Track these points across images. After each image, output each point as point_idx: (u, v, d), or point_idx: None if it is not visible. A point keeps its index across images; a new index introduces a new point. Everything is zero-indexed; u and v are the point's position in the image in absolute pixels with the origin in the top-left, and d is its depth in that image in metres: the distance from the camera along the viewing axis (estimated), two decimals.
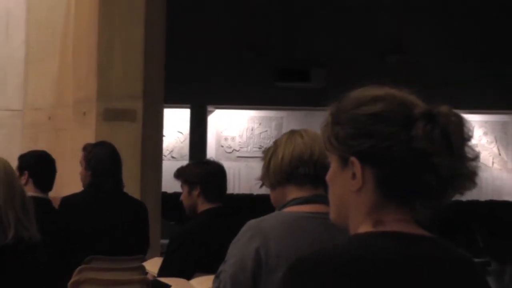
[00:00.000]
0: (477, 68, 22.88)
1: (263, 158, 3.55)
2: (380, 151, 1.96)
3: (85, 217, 6.16)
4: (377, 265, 1.90)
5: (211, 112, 24.13)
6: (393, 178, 1.96)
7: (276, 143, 3.53)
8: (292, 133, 3.55)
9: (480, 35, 22.85)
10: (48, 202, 6.22)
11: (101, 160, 6.28)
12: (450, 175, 1.95)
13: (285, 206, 3.45)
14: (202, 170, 5.31)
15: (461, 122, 1.98)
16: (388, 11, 22.29)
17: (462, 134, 1.97)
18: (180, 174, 5.38)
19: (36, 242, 3.66)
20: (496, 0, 22.55)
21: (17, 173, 3.99)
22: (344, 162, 2.01)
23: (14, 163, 6.13)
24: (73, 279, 5.23)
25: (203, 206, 5.26)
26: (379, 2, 22.29)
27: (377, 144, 1.96)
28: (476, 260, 2.18)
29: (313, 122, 20.24)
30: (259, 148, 23.08)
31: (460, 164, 1.96)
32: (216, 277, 3.44)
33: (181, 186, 5.33)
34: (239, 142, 24.59)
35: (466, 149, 1.97)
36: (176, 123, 23.48)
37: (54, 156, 6.45)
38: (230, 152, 24.47)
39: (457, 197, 2.01)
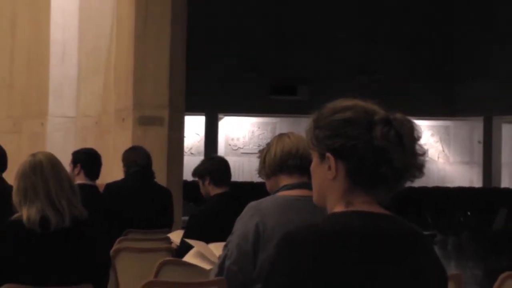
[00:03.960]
0: (427, 84, 22.90)
1: (260, 156, 3.55)
2: (349, 148, 1.95)
3: (124, 199, 6.15)
4: (349, 237, 1.90)
5: (221, 118, 24.13)
6: (359, 169, 1.95)
7: (268, 144, 3.54)
8: (281, 135, 3.55)
9: (429, 60, 22.87)
10: (95, 188, 6.21)
11: (135, 158, 6.28)
12: (403, 167, 1.94)
13: (278, 191, 3.44)
14: (208, 165, 5.31)
15: (412, 126, 1.97)
16: (359, 41, 22.30)
17: (412, 135, 1.96)
18: (195, 172, 5.37)
19: (85, 218, 3.55)
20: (444, 32, 22.56)
21: (62, 163, 3.73)
22: (322, 157, 2.00)
23: (69, 158, 6.14)
24: (114, 247, 5.21)
25: (214, 191, 5.25)
26: (352, 33, 22.29)
27: (347, 143, 1.96)
28: (425, 232, 2.17)
29: (300, 127, 20.23)
30: (258, 146, 23.06)
31: (411, 158, 1.95)
32: (225, 246, 3.44)
33: (198, 181, 5.33)
34: (243, 141, 24.58)
35: (417, 146, 1.97)
36: (194, 127, 23.47)
37: (100, 152, 6.45)
38: (235, 150, 24.46)
39: (409, 184, 2.01)
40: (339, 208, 1.98)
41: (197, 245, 4.14)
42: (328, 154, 1.98)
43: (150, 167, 6.33)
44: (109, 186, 6.29)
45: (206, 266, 3.97)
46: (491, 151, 23.39)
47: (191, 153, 23.26)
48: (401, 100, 18.51)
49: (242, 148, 24.49)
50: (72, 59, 9.50)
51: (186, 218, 6.50)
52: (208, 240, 4.22)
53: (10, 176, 4.08)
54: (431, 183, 21.82)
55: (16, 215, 3.52)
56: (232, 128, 24.52)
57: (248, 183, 19.18)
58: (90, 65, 9.43)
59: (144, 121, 8.52)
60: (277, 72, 22.52)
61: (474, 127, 24.49)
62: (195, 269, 4.09)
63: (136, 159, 6.26)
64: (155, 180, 6.43)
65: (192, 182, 6.20)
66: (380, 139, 1.94)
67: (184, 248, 4.61)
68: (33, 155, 3.61)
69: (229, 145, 24.48)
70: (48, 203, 3.46)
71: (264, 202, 3.37)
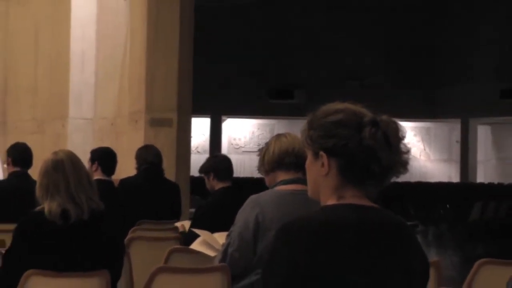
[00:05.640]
0: (411, 90, 22.91)
1: (259, 154, 3.56)
2: (340, 147, 1.95)
3: (136, 193, 6.15)
4: (342, 229, 1.89)
5: (224, 120, 24.13)
6: (350, 166, 1.95)
7: (267, 144, 3.55)
8: (278, 135, 3.56)
9: (413, 67, 22.89)
10: (111, 183, 6.21)
11: (146, 156, 6.28)
12: (389, 164, 1.94)
13: (275, 185, 3.45)
14: (212, 162, 5.31)
15: (397, 126, 1.97)
16: (351, 50, 22.31)
17: (397, 135, 1.96)
18: (201, 169, 5.38)
19: (102, 210, 3.53)
20: (426, 42, 22.58)
21: (81, 160, 3.66)
22: (316, 155, 1.99)
23: (87, 156, 6.14)
24: (128, 237, 5.21)
25: (218, 185, 5.25)
26: (344, 42, 22.29)
27: (338, 143, 1.95)
28: (408, 223, 2.17)
29: (296, 128, 20.22)
30: (258, 145, 23.05)
31: (396, 156, 1.95)
32: (228, 235, 3.44)
33: (204, 177, 5.33)
34: (244, 141, 24.59)
35: (401, 145, 1.96)
36: (200, 128, 23.46)
37: (115, 151, 6.45)
38: (237, 148, 24.47)
39: (394, 179, 2.01)
40: (331, 201, 1.98)
41: (203, 234, 4.14)
42: (321, 153, 1.98)
43: (160, 164, 6.33)
44: (123, 181, 6.29)
45: (211, 253, 3.97)
46: (467, 150, 23.44)
47: (198, 152, 23.26)
48: (387, 104, 18.52)
49: (243, 147, 24.50)
50: (90, 67, 9.50)
51: (193, 210, 6.50)
52: (213, 230, 4.22)
53: (35, 172, 4.07)
54: (413, 179, 21.82)
55: (38, 208, 3.51)
56: (234, 129, 24.53)
57: (248, 178, 19.16)
58: (106, 72, 9.43)
59: (155, 123, 8.52)
60: (275, 78, 22.54)
61: (453, 128, 24.52)
62: (201, 256, 4.09)
63: (147, 157, 6.27)
64: (165, 176, 6.43)
65: (199, 178, 6.19)
66: (369, 139, 1.93)
67: (191, 237, 4.61)
68: (55, 153, 3.57)
69: (232, 144, 24.49)
70: (68, 197, 3.44)
71: (263, 195, 3.38)
